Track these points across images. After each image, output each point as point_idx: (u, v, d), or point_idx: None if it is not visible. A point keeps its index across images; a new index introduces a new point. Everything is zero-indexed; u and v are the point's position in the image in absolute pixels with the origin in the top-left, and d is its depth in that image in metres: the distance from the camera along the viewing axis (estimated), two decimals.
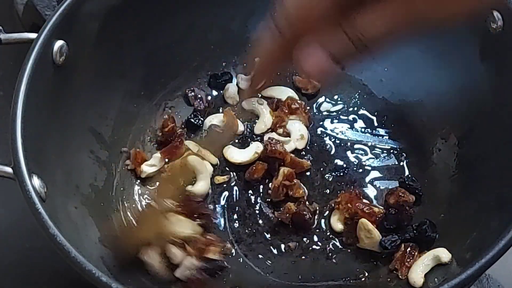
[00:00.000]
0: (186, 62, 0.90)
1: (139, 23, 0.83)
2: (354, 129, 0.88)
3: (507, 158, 0.72)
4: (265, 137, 0.85)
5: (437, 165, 0.82)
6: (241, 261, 0.78)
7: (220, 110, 0.89)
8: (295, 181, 0.81)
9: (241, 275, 0.77)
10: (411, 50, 0.86)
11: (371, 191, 0.82)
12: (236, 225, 0.81)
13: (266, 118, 0.87)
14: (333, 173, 0.84)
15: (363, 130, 0.88)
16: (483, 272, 0.60)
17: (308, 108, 0.88)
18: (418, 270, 0.72)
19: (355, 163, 0.85)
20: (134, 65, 0.85)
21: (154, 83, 0.88)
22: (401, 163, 0.85)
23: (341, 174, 0.84)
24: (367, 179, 0.83)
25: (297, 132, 0.86)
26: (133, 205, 0.81)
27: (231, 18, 0.90)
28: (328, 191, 0.83)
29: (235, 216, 0.81)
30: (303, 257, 0.78)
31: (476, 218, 0.72)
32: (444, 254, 0.72)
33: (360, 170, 0.84)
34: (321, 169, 0.84)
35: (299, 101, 0.88)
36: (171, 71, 0.89)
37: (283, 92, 0.90)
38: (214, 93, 0.91)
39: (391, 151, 0.86)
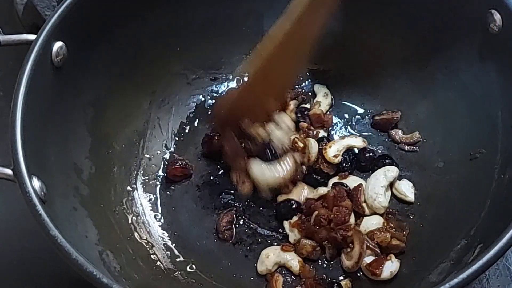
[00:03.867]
0: (187, 66, 0.90)
1: (139, 25, 0.83)
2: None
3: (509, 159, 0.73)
4: None
5: (436, 165, 0.83)
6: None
7: None
8: None
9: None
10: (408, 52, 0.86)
11: None
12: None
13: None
14: None
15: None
16: (483, 271, 0.60)
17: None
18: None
19: None
20: (135, 66, 0.85)
21: (154, 84, 0.88)
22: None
23: None
24: None
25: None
26: (131, 206, 0.81)
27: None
28: None
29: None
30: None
31: (474, 218, 0.72)
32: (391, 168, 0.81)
33: None
34: None
35: None
36: (172, 74, 0.89)
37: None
38: None
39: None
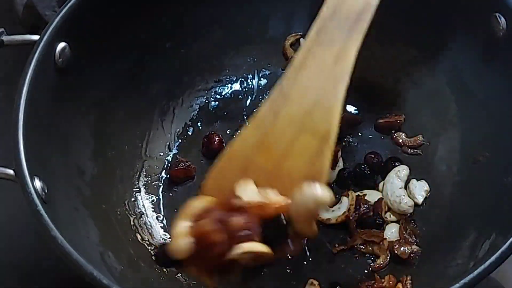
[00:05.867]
0: (191, 68, 0.90)
1: (143, 26, 0.83)
2: None
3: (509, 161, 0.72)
4: None
5: (439, 168, 0.82)
6: None
7: None
8: None
9: None
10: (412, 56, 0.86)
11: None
12: None
13: None
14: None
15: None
16: (488, 274, 0.59)
17: None
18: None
19: None
20: (138, 67, 0.84)
21: (158, 86, 0.88)
22: None
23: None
24: None
25: None
26: (134, 208, 0.81)
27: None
28: None
29: None
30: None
31: (478, 222, 0.72)
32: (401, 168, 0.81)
33: None
34: None
35: None
36: (174, 77, 0.89)
37: None
38: None
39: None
